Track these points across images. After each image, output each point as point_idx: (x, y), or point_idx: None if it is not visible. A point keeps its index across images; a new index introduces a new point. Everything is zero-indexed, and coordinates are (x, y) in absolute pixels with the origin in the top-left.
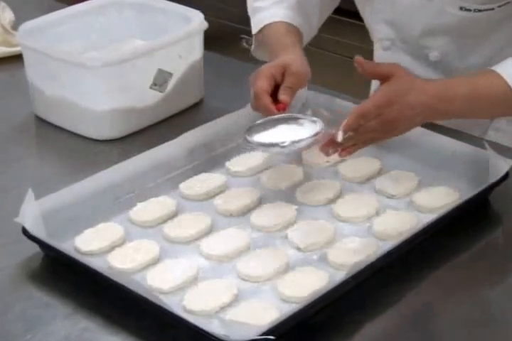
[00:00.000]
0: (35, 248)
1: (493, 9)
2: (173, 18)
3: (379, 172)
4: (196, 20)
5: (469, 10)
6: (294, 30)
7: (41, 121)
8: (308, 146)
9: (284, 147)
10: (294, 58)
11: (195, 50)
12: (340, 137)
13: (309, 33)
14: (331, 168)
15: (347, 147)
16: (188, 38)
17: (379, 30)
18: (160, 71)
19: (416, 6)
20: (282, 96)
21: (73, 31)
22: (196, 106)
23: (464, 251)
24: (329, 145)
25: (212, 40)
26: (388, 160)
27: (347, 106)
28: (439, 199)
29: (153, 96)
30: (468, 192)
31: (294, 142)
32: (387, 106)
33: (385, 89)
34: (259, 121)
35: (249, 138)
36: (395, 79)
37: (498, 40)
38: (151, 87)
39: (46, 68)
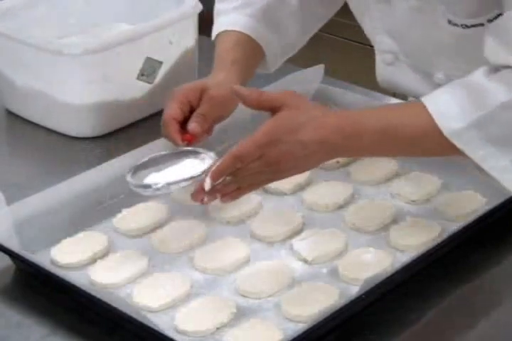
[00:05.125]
0: (7, 260)
1: (482, 25)
2: None
3: (396, 174)
4: (189, 2)
5: (457, 24)
6: (246, 44)
7: (13, 117)
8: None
9: (157, 189)
10: (219, 80)
11: (188, 36)
12: (208, 186)
13: (282, 46)
14: (342, 168)
15: (229, 192)
16: (180, 22)
17: (380, 41)
18: (148, 59)
19: (410, 16)
20: (191, 124)
21: (49, 14)
22: None
23: (494, 265)
24: (201, 192)
25: (207, 24)
26: (407, 161)
27: (357, 101)
28: (465, 205)
29: (141, 88)
30: (497, 198)
31: (169, 184)
32: (270, 146)
33: (269, 126)
34: (148, 157)
35: (128, 175)
36: (284, 112)
37: None
38: (138, 78)
39: (18, 56)
